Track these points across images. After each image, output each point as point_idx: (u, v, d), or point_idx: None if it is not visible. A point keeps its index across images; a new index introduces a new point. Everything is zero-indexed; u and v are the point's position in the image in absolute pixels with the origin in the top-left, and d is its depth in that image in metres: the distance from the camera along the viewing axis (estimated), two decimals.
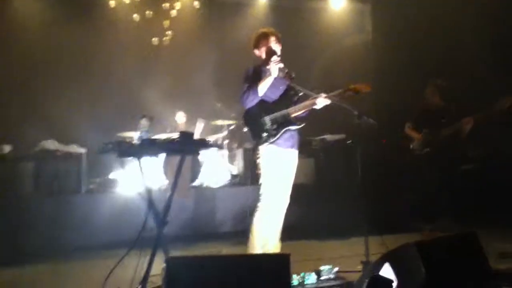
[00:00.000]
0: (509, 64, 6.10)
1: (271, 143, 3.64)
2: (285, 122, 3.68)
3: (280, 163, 3.68)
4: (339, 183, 6.24)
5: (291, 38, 3.98)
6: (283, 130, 3.65)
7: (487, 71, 6.07)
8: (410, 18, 7.71)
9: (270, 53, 3.72)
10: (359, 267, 3.55)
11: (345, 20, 9.51)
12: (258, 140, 3.68)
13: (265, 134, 3.64)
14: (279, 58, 3.62)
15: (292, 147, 3.76)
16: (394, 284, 2.46)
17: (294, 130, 3.74)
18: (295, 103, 3.75)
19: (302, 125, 3.75)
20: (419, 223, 5.49)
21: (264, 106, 3.71)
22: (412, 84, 7.34)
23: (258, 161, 3.73)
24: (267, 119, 3.67)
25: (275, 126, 3.66)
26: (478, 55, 6.37)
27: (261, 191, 3.67)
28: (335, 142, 7.04)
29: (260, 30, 3.88)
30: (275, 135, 3.64)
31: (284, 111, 3.68)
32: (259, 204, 3.66)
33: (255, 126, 3.70)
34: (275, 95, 3.76)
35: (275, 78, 3.66)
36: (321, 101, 3.65)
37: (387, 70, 8.01)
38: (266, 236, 3.65)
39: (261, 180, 3.70)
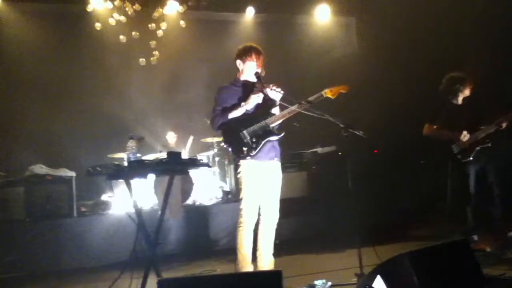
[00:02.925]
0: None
1: (253, 157, 3.61)
2: (264, 133, 3.64)
3: (262, 177, 3.66)
4: (332, 195, 6.23)
5: (278, 52, 4.01)
6: (263, 142, 3.63)
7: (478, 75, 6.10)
8: (395, 29, 7.82)
9: (253, 68, 3.74)
10: (354, 280, 3.54)
11: (331, 33, 9.60)
12: (239, 155, 3.66)
13: (245, 148, 3.61)
14: (257, 94, 3.63)
15: (273, 158, 3.73)
16: None
17: (274, 140, 3.71)
18: (272, 113, 3.70)
19: (282, 134, 3.71)
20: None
21: (242, 119, 3.68)
22: (400, 94, 7.43)
23: (238, 175, 3.72)
24: (246, 133, 3.63)
25: (254, 139, 3.62)
26: (465, 61, 6.43)
27: (241, 205, 3.66)
28: (327, 154, 7.06)
29: (246, 43, 3.88)
30: (255, 148, 3.61)
31: (262, 123, 3.63)
32: (240, 220, 3.65)
33: (235, 142, 3.67)
34: (252, 107, 3.73)
35: (250, 91, 3.68)
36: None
37: (374, 81, 8.08)
38: (249, 253, 3.63)
39: (241, 195, 3.68)
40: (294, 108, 3.60)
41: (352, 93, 3.81)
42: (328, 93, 3.60)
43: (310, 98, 3.60)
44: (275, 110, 3.72)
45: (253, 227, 3.66)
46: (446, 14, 7.01)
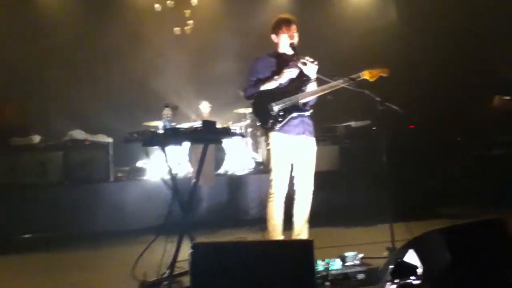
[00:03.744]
0: None
1: (279, 129, 3.61)
2: (292, 108, 3.62)
3: (290, 150, 3.65)
4: (364, 170, 6.19)
5: (313, 26, 3.95)
6: (289, 116, 3.61)
7: None
8: (436, 4, 7.54)
9: (287, 40, 3.70)
10: (385, 254, 3.53)
11: (369, 7, 9.33)
12: (264, 126, 3.67)
13: (271, 121, 3.61)
14: (295, 70, 3.60)
15: (302, 133, 3.69)
16: (419, 270, 2.45)
17: (302, 115, 3.68)
18: (306, 89, 3.68)
19: (310, 111, 3.69)
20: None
21: (273, 92, 3.67)
22: (437, 70, 7.22)
23: (267, 147, 3.74)
24: (274, 105, 3.61)
25: (282, 113, 3.61)
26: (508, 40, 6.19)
27: (271, 177, 3.69)
28: (360, 128, 6.97)
29: (280, 15, 3.84)
30: (280, 122, 3.60)
31: (292, 97, 3.61)
32: (270, 191, 3.69)
33: (262, 113, 3.67)
34: (284, 81, 3.71)
35: (285, 64, 3.65)
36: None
37: (411, 57, 7.86)
38: (279, 223, 3.67)
39: (270, 166, 3.71)
40: (327, 86, 3.57)
41: (383, 65, 3.71)
42: (366, 74, 3.51)
43: (345, 78, 3.51)
44: (312, 85, 3.68)
45: (283, 198, 3.68)
46: None
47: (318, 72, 3.62)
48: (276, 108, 3.61)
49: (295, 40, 3.71)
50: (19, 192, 5.58)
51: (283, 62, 3.72)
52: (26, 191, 5.61)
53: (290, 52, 3.70)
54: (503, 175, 5.77)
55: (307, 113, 3.69)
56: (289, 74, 3.63)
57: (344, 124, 7.09)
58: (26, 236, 5.31)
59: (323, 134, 6.71)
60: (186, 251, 2.83)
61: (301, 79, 3.68)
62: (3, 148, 5.94)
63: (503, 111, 4.83)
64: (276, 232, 3.67)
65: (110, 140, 6.26)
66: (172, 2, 7.81)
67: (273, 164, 3.69)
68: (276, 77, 3.66)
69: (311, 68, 3.60)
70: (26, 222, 5.41)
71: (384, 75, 3.54)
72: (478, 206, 5.92)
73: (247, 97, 3.78)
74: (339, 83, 3.53)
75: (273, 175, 3.68)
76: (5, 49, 7.37)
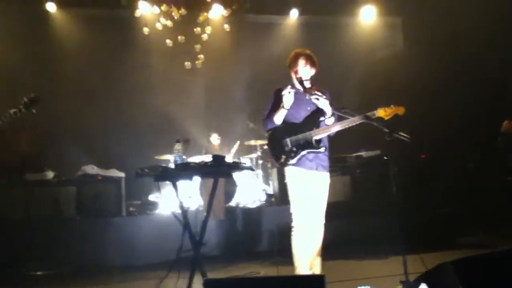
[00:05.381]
0: None
1: (292, 165, 3.63)
2: (305, 144, 3.64)
3: (305, 184, 3.65)
4: (376, 200, 6.14)
5: (323, 54, 3.99)
6: (301, 154, 3.63)
7: None
8: (441, 30, 7.62)
9: (297, 75, 3.73)
10: (399, 287, 3.48)
11: (377, 34, 9.44)
12: (278, 161, 3.69)
13: (284, 156, 3.64)
14: (288, 89, 3.61)
15: (314, 168, 3.68)
16: None
17: (315, 152, 3.68)
18: (320, 124, 3.71)
19: (322, 148, 3.68)
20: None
21: (289, 127, 3.71)
22: (446, 95, 7.23)
23: (285, 180, 3.75)
24: (288, 141, 3.65)
25: (294, 149, 3.63)
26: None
27: (291, 210, 3.68)
28: (371, 158, 6.96)
29: (294, 51, 3.87)
30: (293, 157, 3.62)
31: (306, 133, 3.64)
32: (292, 224, 3.67)
33: (277, 148, 3.70)
34: (300, 116, 3.74)
35: (300, 99, 3.68)
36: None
37: (421, 83, 7.90)
38: (305, 256, 3.63)
39: (289, 199, 3.71)
40: (340, 123, 3.62)
41: (398, 96, 3.73)
42: (381, 113, 3.54)
43: (361, 116, 3.55)
44: (330, 120, 3.70)
45: (305, 230, 3.64)
46: (495, 12, 6.76)
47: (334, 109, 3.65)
48: (289, 144, 3.65)
49: (304, 76, 3.73)
50: (32, 226, 5.61)
51: (295, 99, 3.69)
52: (39, 225, 5.64)
53: (301, 88, 3.72)
54: None
55: (318, 150, 3.67)
56: (288, 96, 3.60)
57: (355, 154, 7.09)
58: (38, 273, 5.30)
59: (334, 164, 6.69)
60: (198, 287, 2.83)
61: (317, 115, 3.72)
62: (18, 182, 6.03)
63: None
64: (302, 266, 3.62)
65: (122, 174, 6.33)
66: (183, 38, 7.99)
67: (291, 198, 3.69)
68: (282, 104, 3.66)
69: (323, 102, 3.63)
70: (37, 257, 5.42)
71: (400, 113, 3.56)
72: (498, 233, 5.81)
73: (267, 130, 3.81)
74: (353, 121, 3.57)
75: (293, 209, 3.67)
76: (19, 81, 7.53)
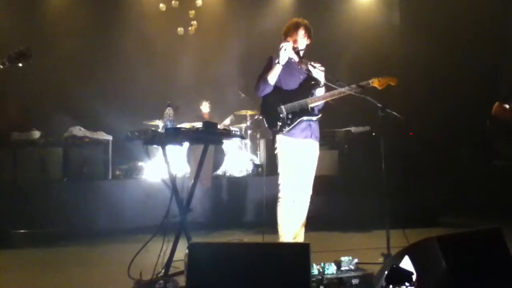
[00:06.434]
0: None
1: (286, 133, 3.63)
2: (302, 112, 3.64)
3: (296, 154, 3.66)
4: (363, 176, 6.19)
5: (317, 29, 3.95)
6: (298, 120, 3.63)
7: None
8: (440, 6, 7.55)
9: (295, 44, 3.69)
10: (380, 259, 3.55)
11: (373, 11, 9.35)
12: (272, 129, 3.68)
13: (279, 123, 3.63)
14: (286, 44, 3.56)
15: (308, 137, 3.70)
16: (414, 277, 2.46)
17: (311, 120, 3.69)
18: (315, 93, 3.70)
19: (319, 116, 3.71)
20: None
21: (282, 95, 3.68)
22: (441, 75, 7.22)
23: (276, 151, 3.74)
24: (283, 108, 3.64)
25: (290, 116, 3.63)
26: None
27: (280, 181, 3.69)
28: (360, 134, 6.99)
29: (293, 19, 3.82)
30: (289, 125, 3.61)
31: (302, 101, 3.64)
32: (279, 195, 3.69)
33: (271, 115, 3.68)
34: (293, 84, 3.72)
35: (293, 67, 3.66)
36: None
37: (415, 61, 7.88)
38: (290, 226, 3.66)
39: (279, 170, 3.72)
40: (336, 92, 3.59)
41: (391, 73, 3.74)
42: (375, 82, 3.58)
43: (354, 85, 3.57)
44: (320, 91, 3.69)
45: (292, 201, 3.66)
46: None
47: (327, 80, 3.64)
48: (285, 111, 3.64)
49: (300, 46, 3.70)
50: (19, 187, 5.58)
51: (287, 67, 3.68)
52: (25, 186, 5.61)
53: (296, 58, 3.71)
54: (504, 186, 5.74)
55: (315, 118, 3.70)
56: (284, 53, 3.55)
57: (344, 129, 7.10)
58: (24, 231, 5.30)
59: (323, 138, 6.70)
60: (183, 251, 2.85)
61: (310, 84, 3.70)
62: (4, 142, 5.95)
63: (502, 119, 4.79)
64: (286, 235, 3.66)
65: (110, 137, 6.27)
66: (177, 2, 7.82)
67: (281, 168, 3.69)
68: (276, 61, 3.60)
69: (318, 73, 3.62)
70: (24, 217, 5.40)
71: (393, 84, 3.61)
72: (479, 216, 5.93)
73: (260, 94, 3.75)
74: (347, 89, 3.56)
75: (281, 179, 3.68)
76: (7, 46, 7.37)
